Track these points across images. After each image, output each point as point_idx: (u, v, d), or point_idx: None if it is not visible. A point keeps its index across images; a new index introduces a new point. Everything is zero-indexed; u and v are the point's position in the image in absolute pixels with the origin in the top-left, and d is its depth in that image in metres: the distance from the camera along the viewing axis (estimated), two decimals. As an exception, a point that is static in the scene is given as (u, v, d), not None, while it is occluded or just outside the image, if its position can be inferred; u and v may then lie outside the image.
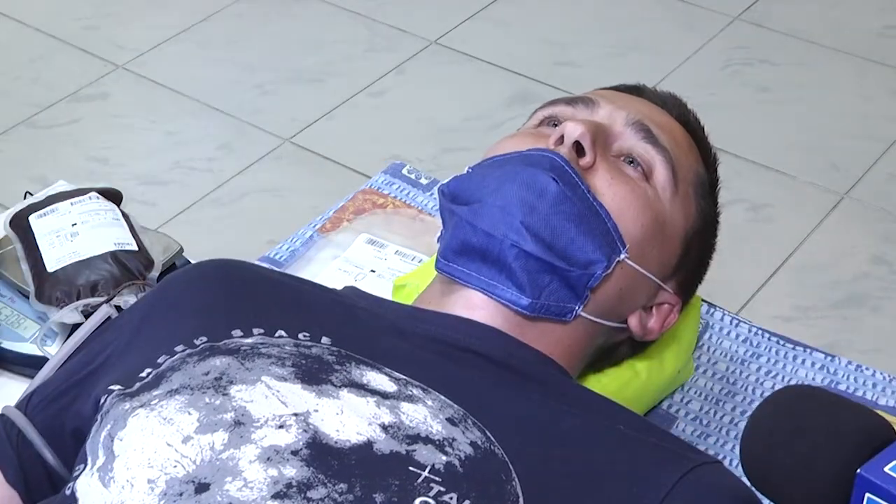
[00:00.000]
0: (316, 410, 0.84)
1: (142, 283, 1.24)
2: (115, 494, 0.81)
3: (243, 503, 0.78)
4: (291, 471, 0.80)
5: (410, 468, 0.81)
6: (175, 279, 1.05)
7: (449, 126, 2.22)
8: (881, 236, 1.94)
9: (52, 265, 1.26)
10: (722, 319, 1.34)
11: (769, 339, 1.32)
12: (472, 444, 0.85)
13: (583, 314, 1.01)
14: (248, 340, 0.92)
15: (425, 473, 0.81)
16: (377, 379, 0.89)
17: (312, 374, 0.88)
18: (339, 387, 0.87)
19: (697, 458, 0.89)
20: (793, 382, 1.27)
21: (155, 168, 2.13)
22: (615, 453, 0.88)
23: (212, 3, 2.60)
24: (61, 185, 1.52)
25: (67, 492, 0.85)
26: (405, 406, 0.86)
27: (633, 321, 1.07)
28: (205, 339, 0.92)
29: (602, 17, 2.53)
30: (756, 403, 1.23)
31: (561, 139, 1.02)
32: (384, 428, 0.84)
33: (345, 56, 2.44)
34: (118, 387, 0.90)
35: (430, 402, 0.87)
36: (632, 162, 1.04)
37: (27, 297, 1.28)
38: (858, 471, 0.77)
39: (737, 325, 1.33)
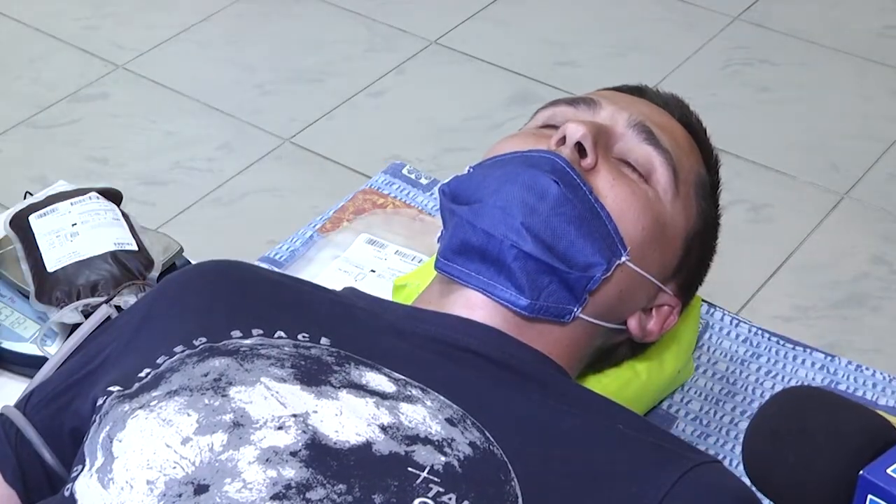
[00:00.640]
0: (315, 411, 0.84)
1: (142, 283, 1.24)
2: (115, 495, 0.81)
3: None
4: (290, 472, 0.80)
5: (409, 469, 0.81)
6: (174, 280, 1.05)
7: (449, 126, 2.22)
8: (881, 236, 1.94)
9: (52, 265, 1.26)
10: (722, 319, 1.34)
11: (769, 339, 1.32)
12: (471, 444, 0.85)
13: (581, 316, 1.01)
14: (248, 341, 0.92)
15: (424, 474, 0.81)
16: (376, 379, 0.89)
17: (311, 375, 0.88)
18: (339, 388, 0.87)
19: (697, 457, 0.89)
20: (793, 382, 1.27)
21: (155, 168, 2.13)
22: (615, 453, 0.88)
23: (212, 3, 2.60)
24: (61, 185, 1.52)
25: (66, 493, 0.85)
26: (404, 407, 0.86)
27: (633, 323, 1.06)
28: (204, 339, 0.92)
29: (602, 17, 2.53)
30: (756, 403, 1.24)
31: (562, 140, 1.02)
32: (383, 429, 0.84)
33: (345, 56, 2.44)
34: (117, 388, 0.90)
35: (429, 403, 0.87)
36: (636, 160, 1.04)
37: (27, 297, 1.28)
38: (861, 472, 0.77)
39: (737, 325, 1.33)
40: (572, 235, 0.98)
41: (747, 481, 0.95)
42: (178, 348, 0.92)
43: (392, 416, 0.85)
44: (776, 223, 1.99)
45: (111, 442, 0.85)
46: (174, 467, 0.81)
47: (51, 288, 1.25)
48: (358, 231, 1.45)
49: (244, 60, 2.43)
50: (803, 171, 2.09)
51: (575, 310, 1.00)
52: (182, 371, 0.88)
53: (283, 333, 0.93)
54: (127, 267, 1.25)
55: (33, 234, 1.30)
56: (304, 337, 0.93)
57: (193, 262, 1.28)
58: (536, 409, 0.91)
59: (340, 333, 0.95)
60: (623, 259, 1.01)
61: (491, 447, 0.85)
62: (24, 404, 0.99)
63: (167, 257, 1.33)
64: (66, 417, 0.97)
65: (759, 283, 1.86)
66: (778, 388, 1.26)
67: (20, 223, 1.33)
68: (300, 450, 0.81)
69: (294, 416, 0.84)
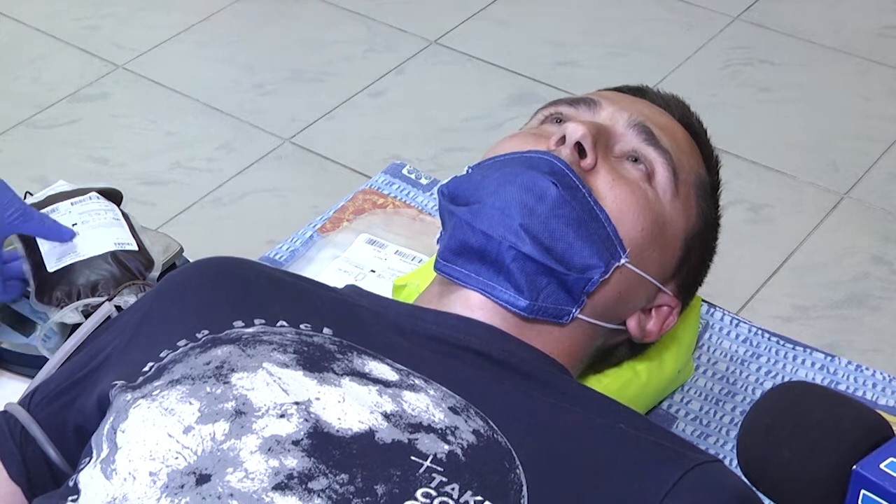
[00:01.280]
0: (318, 398, 0.84)
1: (142, 283, 1.24)
2: (118, 486, 0.81)
3: (244, 494, 0.78)
4: (292, 461, 0.80)
5: (412, 458, 0.81)
6: (175, 277, 1.05)
7: (449, 126, 2.22)
8: (881, 236, 1.94)
9: (52, 265, 1.25)
10: (722, 319, 1.34)
11: (769, 339, 1.32)
12: (475, 432, 0.85)
13: (580, 316, 1.01)
14: (250, 330, 0.92)
15: (427, 463, 0.81)
16: (379, 368, 0.89)
17: (314, 361, 0.88)
18: (341, 375, 0.87)
19: (698, 457, 0.89)
20: (793, 382, 1.27)
21: (155, 168, 2.14)
22: (616, 450, 0.88)
23: (212, 3, 2.60)
24: (61, 185, 1.52)
25: (70, 483, 0.86)
26: (407, 395, 0.86)
27: (632, 323, 1.06)
28: (206, 332, 0.92)
29: (602, 17, 2.53)
30: (748, 411, 1.23)
31: (562, 140, 1.02)
32: (386, 416, 0.84)
33: (345, 56, 2.44)
34: (122, 382, 0.90)
35: (432, 392, 0.88)
36: (636, 160, 1.04)
37: (27, 297, 1.28)
38: (854, 467, 0.77)
39: (737, 325, 1.33)
40: (570, 237, 0.98)
41: (745, 478, 0.95)
42: (182, 342, 0.92)
43: (395, 404, 0.85)
44: (776, 223, 1.99)
45: (115, 433, 0.85)
46: (176, 458, 0.81)
47: (51, 288, 1.25)
48: (358, 231, 1.45)
49: (244, 60, 2.43)
50: (803, 171, 2.09)
51: (573, 311, 1.00)
52: (185, 361, 0.89)
53: (284, 323, 0.94)
54: (127, 267, 1.25)
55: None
56: (306, 326, 0.93)
57: (192, 261, 1.28)
58: (538, 406, 0.91)
59: (342, 325, 0.95)
60: (622, 261, 1.01)
61: (495, 435, 0.85)
62: (27, 401, 1.00)
63: (167, 257, 1.33)
64: (69, 414, 0.97)
65: (759, 283, 1.86)
66: (778, 387, 1.26)
67: None
68: (302, 438, 0.81)
69: (296, 403, 0.84)
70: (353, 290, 1.07)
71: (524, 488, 0.82)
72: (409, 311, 1.02)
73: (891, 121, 2.20)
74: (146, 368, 0.91)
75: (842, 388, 1.27)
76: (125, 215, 1.34)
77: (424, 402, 0.86)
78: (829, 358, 1.30)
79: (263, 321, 0.94)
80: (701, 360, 1.29)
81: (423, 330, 0.97)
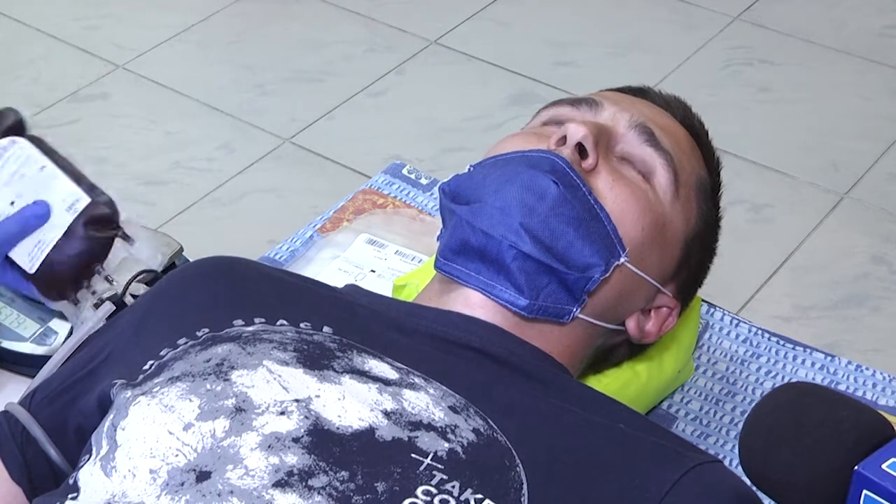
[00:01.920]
0: (318, 396, 0.85)
1: (119, 234, 1.15)
2: (117, 484, 0.81)
3: (244, 491, 0.78)
4: (293, 458, 0.80)
5: (413, 455, 0.81)
6: (175, 276, 1.05)
7: (449, 126, 2.22)
8: (881, 236, 1.94)
9: (26, 263, 1.12)
10: (722, 319, 1.34)
11: (769, 339, 1.32)
12: (475, 430, 0.85)
13: (580, 316, 1.01)
14: (250, 328, 0.92)
15: (427, 461, 0.81)
16: (379, 366, 0.89)
17: (314, 359, 0.88)
18: (341, 373, 0.87)
19: (698, 457, 0.89)
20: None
21: (155, 168, 2.14)
22: (616, 450, 0.88)
23: (212, 3, 2.60)
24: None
25: (70, 481, 0.86)
26: (407, 393, 0.87)
27: (631, 324, 1.07)
28: (206, 330, 0.92)
29: (602, 17, 2.53)
30: (749, 411, 1.23)
31: (563, 140, 1.02)
32: (386, 414, 0.84)
33: (345, 56, 2.44)
34: (122, 381, 0.90)
35: (431, 391, 0.88)
36: (635, 161, 1.04)
37: (27, 297, 1.27)
38: (856, 467, 0.77)
39: (737, 325, 1.33)
40: (571, 236, 0.99)
41: (748, 481, 0.95)
42: (182, 340, 0.92)
43: (395, 402, 0.85)
44: (776, 223, 1.99)
45: (115, 430, 0.85)
46: (176, 455, 0.81)
47: (48, 286, 1.14)
48: (358, 231, 1.45)
49: (244, 60, 2.43)
50: (803, 171, 2.09)
51: (574, 310, 1.00)
52: (185, 359, 0.89)
53: (285, 321, 0.94)
54: (96, 226, 1.12)
55: None
56: (306, 325, 0.94)
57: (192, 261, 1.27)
58: (538, 405, 0.91)
59: (342, 324, 0.95)
60: (622, 260, 1.01)
61: (495, 434, 0.85)
62: (28, 401, 1.00)
63: (167, 257, 1.33)
64: (70, 414, 0.97)
65: (759, 283, 1.86)
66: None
67: None
68: (302, 436, 0.82)
69: (296, 400, 0.84)
70: (353, 289, 1.07)
71: (524, 486, 0.82)
72: (409, 310, 1.02)
73: (891, 121, 2.20)
74: (146, 366, 0.91)
75: (842, 388, 1.27)
76: (35, 140, 1.17)
77: (424, 401, 0.86)
78: (829, 358, 1.30)
79: (263, 320, 0.94)
80: (701, 360, 1.29)
81: (424, 328, 0.97)
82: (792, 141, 2.16)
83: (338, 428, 0.83)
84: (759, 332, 1.33)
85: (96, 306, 1.13)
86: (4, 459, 0.96)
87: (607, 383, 1.11)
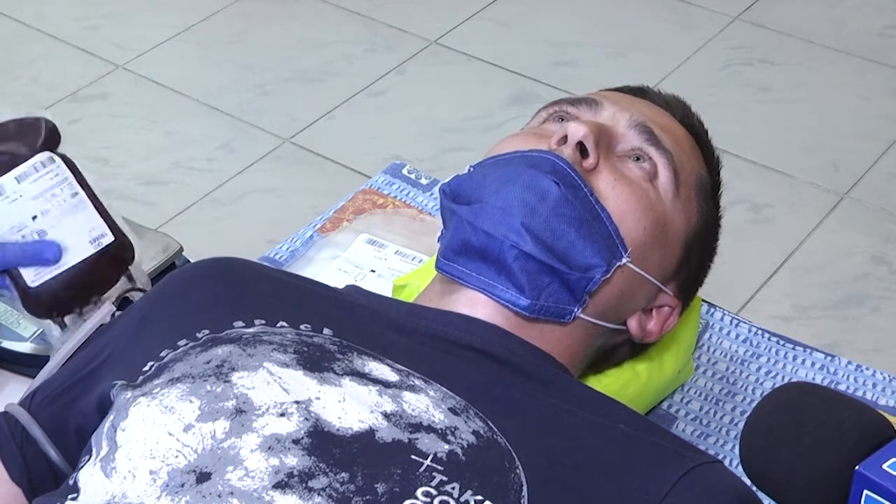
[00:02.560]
0: (318, 398, 0.85)
1: (134, 289, 1.18)
2: (117, 485, 0.81)
3: (244, 493, 0.78)
4: (293, 460, 0.80)
5: (413, 457, 0.81)
6: (175, 277, 1.05)
7: (449, 126, 2.22)
8: (881, 236, 1.94)
9: (30, 279, 1.11)
10: (722, 319, 1.34)
11: (769, 339, 1.32)
12: (475, 432, 0.85)
13: (582, 316, 1.01)
14: (250, 330, 0.92)
15: (427, 462, 0.81)
16: (379, 368, 0.89)
17: (314, 361, 0.88)
18: (341, 375, 0.87)
19: (698, 457, 0.89)
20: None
21: (155, 168, 2.14)
22: (616, 450, 0.88)
23: (212, 3, 2.60)
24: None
25: (70, 482, 0.86)
26: (407, 395, 0.87)
27: (633, 323, 1.07)
28: (207, 331, 0.92)
29: (602, 17, 2.53)
30: (756, 404, 1.24)
31: (564, 139, 1.02)
32: (386, 416, 0.84)
33: (345, 56, 2.44)
34: (122, 381, 0.90)
35: (431, 393, 0.88)
36: (638, 159, 1.04)
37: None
38: (857, 468, 0.77)
39: (737, 325, 1.33)
40: (572, 236, 0.98)
41: (748, 481, 0.95)
42: (182, 341, 0.92)
43: (395, 404, 0.85)
44: (776, 223, 1.99)
45: (115, 431, 0.85)
46: (176, 456, 0.81)
47: (39, 303, 1.12)
48: (358, 231, 1.45)
49: (244, 60, 2.43)
50: (803, 171, 2.09)
51: (575, 310, 1.00)
52: (185, 360, 0.89)
53: (285, 323, 0.94)
54: (113, 263, 1.14)
55: None
56: (306, 327, 0.94)
57: (192, 262, 1.27)
58: (538, 406, 0.91)
59: (343, 326, 0.95)
60: (623, 260, 1.01)
61: (494, 436, 0.85)
62: (28, 402, 1.00)
63: (167, 257, 1.33)
64: (69, 415, 0.97)
65: (759, 283, 1.86)
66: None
67: None
68: (302, 437, 0.82)
69: (297, 402, 0.84)
70: (353, 290, 1.07)
71: (524, 488, 0.82)
72: (409, 310, 1.02)
73: (891, 121, 2.20)
74: (146, 367, 0.91)
75: (842, 388, 1.27)
76: (72, 167, 1.16)
77: (424, 403, 0.86)
78: (829, 358, 1.30)
79: (264, 321, 0.94)
80: (701, 360, 1.29)
81: (425, 328, 0.97)
82: (792, 141, 2.16)
83: (338, 430, 0.83)
84: (759, 332, 1.33)
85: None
86: (4, 460, 0.96)
87: (607, 383, 1.11)
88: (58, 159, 1.15)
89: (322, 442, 0.81)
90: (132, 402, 0.86)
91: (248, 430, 0.82)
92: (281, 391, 0.85)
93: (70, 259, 1.11)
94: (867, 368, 1.29)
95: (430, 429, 0.84)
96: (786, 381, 1.27)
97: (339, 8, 2.58)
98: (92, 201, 1.14)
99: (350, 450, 0.81)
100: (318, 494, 0.78)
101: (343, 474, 0.79)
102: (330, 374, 0.87)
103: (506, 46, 2.45)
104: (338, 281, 1.35)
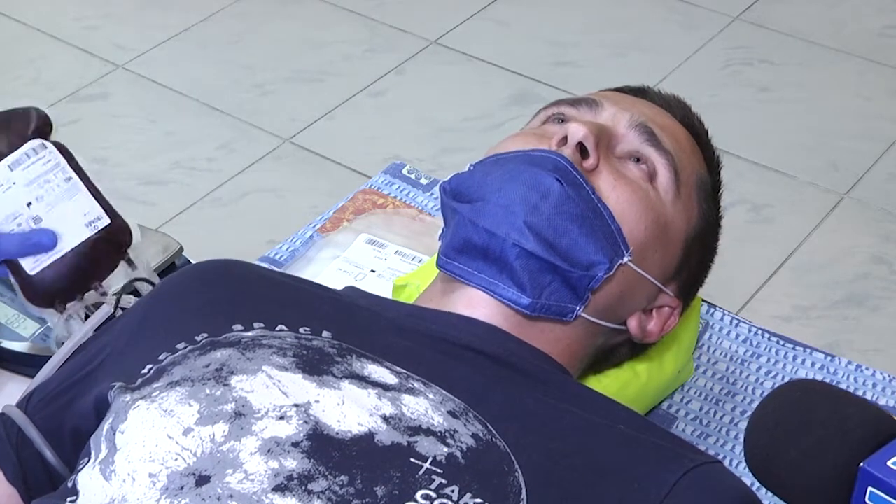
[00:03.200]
0: (317, 401, 0.84)
1: (140, 281, 1.18)
2: (116, 488, 0.81)
3: (244, 496, 0.78)
4: (292, 463, 0.80)
5: (412, 460, 0.81)
6: (174, 279, 1.05)
7: (449, 126, 2.22)
8: (881, 236, 1.94)
9: (30, 267, 1.12)
10: (722, 319, 1.34)
11: (769, 339, 1.32)
12: (474, 436, 0.85)
13: (583, 315, 1.01)
14: (249, 333, 0.92)
15: (427, 465, 0.81)
16: (378, 371, 0.89)
17: (314, 364, 0.88)
18: (341, 378, 0.87)
19: (698, 458, 0.89)
20: (793, 382, 1.27)
21: (155, 168, 2.14)
22: (615, 451, 0.88)
23: (212, 3, 2.60)
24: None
25: (69, 484, 0.86)
26: (406, 398, 0.87)
27: (633, 323, 1.06)
28: (205, 334, 0.92)
29: (602, 17, 2.53)
30: (756, 403, 1.23)
31: (564, 140, 1.02)
32: (385, 419, 0.84)
33: (345, 56, 2.44)
34: (120, 383, 0.90)
35: (431, 395, 0.88)
36: (638, 161, 1.04)
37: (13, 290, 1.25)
38: (861, 464, 0.77)
39: (737, 325, 1.33)
40: (575, 234, 0.98)
41: (748, 481, 0.95)
42: (180, 344, 0.92)
43: (394, 407, 0.85)
44: (776, 223, 1.99)
45: (114, 434, 0.85)
46: (176, 459, 0.81)
47: (40, 290, 1.13)
48: (358, 231, 1.44)
49: (244, 60, 2.43)
50: (803, 171, 2.09)
51: (577, 308, 1.00)
52: (184, 364, 0.89)
53: (284, 327, 0.94)
54: (111, 246, 1.13)
55: None
56: (305, 330, 0.93)
57: (193, 262, 1.27)
58: (537, 406, 0.91)
59: (342, 328, 0.95)
60: (625, 259, 1.01)
61: (494, 439, 0.85)
62: (25, 404, 1.00)
63: (167, 257, 1.33)
64: (66, 417, 0.97)
65: (759, 283, 1.86)
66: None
67: None
68: (302, 440, 0.81)
69: (296, 405, 0.84)
70: (352, 291, 1.07)
71: (523, 491, 0.82)
72: (409, 311, 1.02)
73: (891, 121, 2.20)
74: (145, 370, 0.91)
75: (842, 388, 1.27)
76: (62, 150, 1.16)
77: (423, 406, 0.86)
78: (829, 358, 1.30)
79: (262, 325, 0.94)
80: (701, 360, 1.29)
81: (424, 329, 0.97)
82: (792, 141, 2.16)
83: (337, 433, 0.82)
84: (759, 332, 1.33)
85: (87, 317, 1.13)
86: (0, 461, 0.96)
87: (607, 383, 1.11)
88: (50, 145, 1.15)
89: (321, 445, 0.81)
90: (131, 406, 0.86)
91: (247, 433, 0.82)
92: (280, 394, 0.85)
93: (67, 244, 1.11)
94: (867, 368, 1.29)
95: (429, 432, 0.84)
96: (786, 381, 1.27)
97: (339, 8, 2.58)
98: (87, 186, 1.14)
99: (349, 453, 0.81)
100: (318, 497, 0.78)
101: (342, 477, 0.79)
102: (329, 378, 0.87)
103: (506, 46, 2.45)
104: (338, 281, 1.35)
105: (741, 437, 0.91)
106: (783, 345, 1.31)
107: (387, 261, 1.40)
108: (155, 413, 0.84)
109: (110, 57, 2.44)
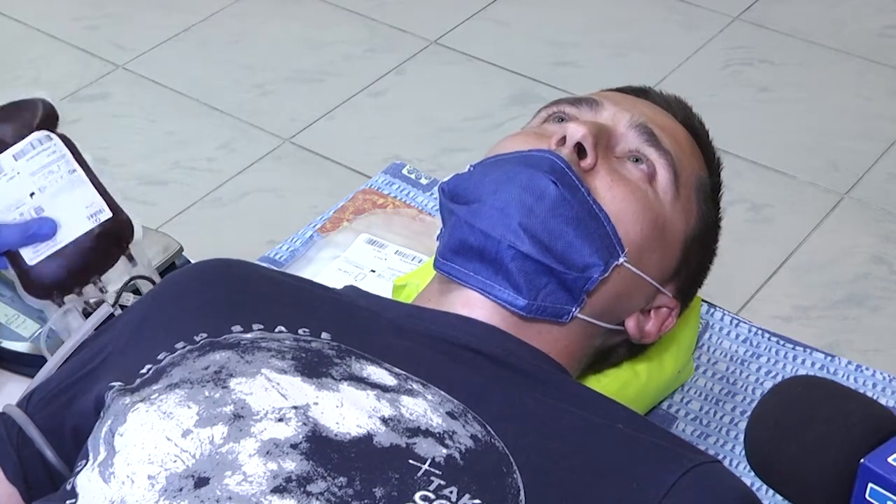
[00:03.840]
0: (316, 403, 0.84)
1: (141, 277, 1.17)
2: (115, 490, 0.81)
3: (243, 497, 0.78)
4: (291, 464, 0.80)
5: (411, 461, 0.81)
6: (174, 279, 1.05)
7: (449, 126, 2.22)
8: (881, 236, 1.94)
9: (29, 258, 1.12)
10: (722, 319, 1.34)
11: (769, 339, 1.32)
12: (473, 437, 0.85)
13: (580, 316, 1.01)
14: (248, 335, 0.92)
15: (425, 467, 0.81)
16: (377, 373, 0.89)
17: (312, 367, 0.88)
18: (339, 380, 0.87)
19: (697, 457, 0.89)
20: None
21: (155, 168, 2.14)
22: (614, 451, 0.88)
23: (212, 3, 2.60)
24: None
25: (68, 486, 0.86)
26: (405, 400, 0.87)
27: (631, 324, 1.06)
28: (205, 335, 0.92)
29: (602, 17, 2.53)
30: (756, 403, 1.24)
31: (563, 139, 1.02)
32: (384, 421, 0.84)
33: (345, 56, 2.44)
34: (119, 383, 0.90)
35: (429, 397, 0.88)
36: (637, 160, 1.04)
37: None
38: (862, 461, 0.77)
39: (737, 325, 1.33)
40: (570, 236, 0.98)
41: (748, 481, 0.95)
42: (180, 344, 0.92)
43: (393, 409, 0.85)
44: (776, 223, 1.99)
45: (113, 436, 0.85)
46: (174, 461, 0.81)
47: (38, 282, 1.13)
48: (358, 231, 1.45)
49: (244, 60, 2.43)
50: (803, 171, 2.09)
51: (573, 310, 1.00)
52: (183, 365, 0.89)
53: (283, 328, 0.94)
54: (111, 241, 1.13)
55: None
56: (304, 332, 0.93)
57: (193, 262, 1.27)
58: (536, 406, 0.91)
59: (341, 329, 0.95)
60: (621, 260, 1.00)
61: (492, 440, 0.85)
62: (25, 403, 1.00)
63: (167, 257, 1.33)
64: (66, 416, 0.97)
65: (759, 283, 1.86)
66: (778, 388, 1.26)
67: None
68: (301, 442, 0.81)
69: (295, 407, 0.84)
70: (352, 290, 1.07)
71: (521, 492, 0.82)
72: (408, 311, 1.02)
73: (891, 121, 2.20)
74: (143, 370, 0.91)
75: (843, 385, 1.26)
76: (70, 144, 1.17)
77: (422, 407, 0.86)
78: (829, 358, 1.30)
79: (262, 326, 0.94)
80: (701, 360, 1.29)
81: (423, 329, 0.97)
82: (792, 141, 2.16)
83: (336, 435, 0.82)
84: (759, 332, 1.33)
85: (86, 314, 1.12)
86: (0, 461, 0.96)
87: (607, 383, 1.11)
88: (55, 137, 1.16)
89: (320, 447, 0.81)
90: (131, 408, 0.86)
91: (246, 435, 0.82)
92: (279, 397, 0.85)
93: (67, 235, 1.11)
94: (867, 368, 1.29)
95: (427, 433, 0.84)
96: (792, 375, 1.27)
97: (339, 8, 2.58)
98: (90, 179, 1.14)
99: (348, 454, 0.81)
100: (317, 499, 0.78)
101: (341, 479, 0.79)
102: (328, 380, 0.87)
103: (506, 46, 2.45)
104: (338, 281, 1.35)
105: (741, 437, 0.91)
106: (783, 345, 1.32)
107: (387, 261, 1.40)
108: (154, 415, 0.84)
109: (110, 57, 2.44)
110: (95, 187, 1.14)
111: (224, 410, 0.84)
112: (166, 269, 1.32)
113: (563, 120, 1.07)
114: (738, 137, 2.12)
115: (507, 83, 2.34)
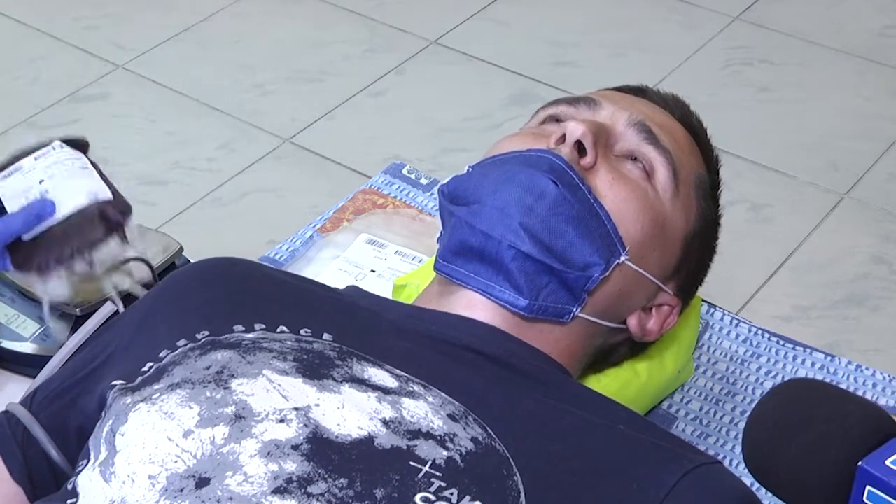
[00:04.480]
0: (317, 405, 0.85)
1: (135, 258, 1.17)
2: (116, 490, 0.81)
3: (244, 498, 0.78)
4: (292, 465, 0.80)
5: (411, 463, 0.81)
6: (176, 277, 1.05)
7: (449, 126, 2.22)
8: (881, 236, 1.94)
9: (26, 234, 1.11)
10: (722, 319, 1.34)
11: (769, 339, 1.32)
12: (473, 439, 0.85)
13: (581, 315, 1.01)
14: (250, 335, 0.92)
15: (426, 468, 0.81)
16: (378, 375, 0.89)
17: (314, 368, 0.88)
18: (341, 382, 0.87)
19: (698, 458, 0.89)
20: (793, 382, 1.27)
21: (155, 168, 2.14)
22: (615, 452, 0.88)
23: (212, 3, 2.60)
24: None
25: (69, 486, 0.86)
26: (406, 402, 0.87)
27: (632, 322, 1.07)
28: (206, 333, 0.92)
29: (602, 17, 2.53)
30: (754, 405, 1.23)
31: (562, 138, 1.02)
32: (385, 423, 0.84)
33: (345, 56, 2.44)
34: (120, 382, 0.90)
35: (430, 399, 0.88)
36: (634, 160, 1.04)
37: (27, 296, 1.27)
38: (860, 463, 0.77)
39: (737, 325, 1.33)
40: (570, 235, 0.98)
41: (748, 482, 0.95)
42: (181, 342, 0.92)
43: (394, 411, 0.85)
44: (776, 223, 1.99)
45: (114, 436, 0.85)
46: (175, 461, 0.81)
47: (30, 256, 1.11)
48: (358, 231, 1.45)
49: (244, 60, 2.43)
50: (803, 171, 2.09)
51: (574, 309, 1.00)
52: (184, 364, 0.89)
53: (285, 328, 0.94)
54: (105, 218, 1.12)
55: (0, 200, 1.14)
56: (306, 332, 0.93)
57: (193, 261, 1.27)
58: (537, 407, 0.91)
59: (343, 330, 0.95)
60: (622, 259, 1.01)
61: (493, 443, 0.85)
62: (29, 401, 1.00)
63: (167, 257, 1.33)
64: (70, 414, 0.97)
65: (759, 283, 1.86)
66: (778, 387, 1.25)
67: None
68: (302, 443, 0.82)
69: (296, 409, 0.84)
70: (353, 290, 1.07)
71: (522, 494, 0.82)
72: (409, 312, 1.02)
73: (891, 121, 2.20)
74: (145, 368, 0.91)
75: (842, 388, 1.26)
76: (93, 163, 1.18)
77: (423, 409, 0.86)
78: (829, 358, 1.30)
79: (264, 326, 0.94)
80: (701, 360, 1.29)
81: (424, 330, 0.97)
82: (792, 141, 2.16)
83: (337, 436, 0.83)
84: (759, 332, 1.33)
85: (86, 315, 1.12)
86: (5, 459, 0.96)
87: (607, 383, 1.11)
88: (71, 150, 1.16)
89: (321, 448, 0.81)
90: (132, 408, 0.86)
91: (247, 435, 0.82)
92: (280, 398, 0.85)
93: (64, 210, 1.11)
94: (867, 368, 1.29)
95: (428, 435, 0.84)
96: (791, 377, 1.27)
97: (339, 8, 2.58)
98: (105, 181, 1.14)
99: (349, 456, 0.81)
100: (317, 500, 0.78)
101: (342, 480, 0.79)
102: (329, 381, 0.87)
103: (506, 46, 2.45)
104: (338, 281, 1.35)
105: (741, 437, 0.91)
106: (783, 345, 1.32)
107: (387, 261, 1.40)
108: (155, 415, 0.84)
109: (110, 57, 2.44)
110: (106, 183, 1.14)
111: (225, 411, 0.84)
112: (166, 269, 1.32)
113: (561, 119, 1.07)
114: (738, 137, 2.11)
115: (507, 83, 2.34)
